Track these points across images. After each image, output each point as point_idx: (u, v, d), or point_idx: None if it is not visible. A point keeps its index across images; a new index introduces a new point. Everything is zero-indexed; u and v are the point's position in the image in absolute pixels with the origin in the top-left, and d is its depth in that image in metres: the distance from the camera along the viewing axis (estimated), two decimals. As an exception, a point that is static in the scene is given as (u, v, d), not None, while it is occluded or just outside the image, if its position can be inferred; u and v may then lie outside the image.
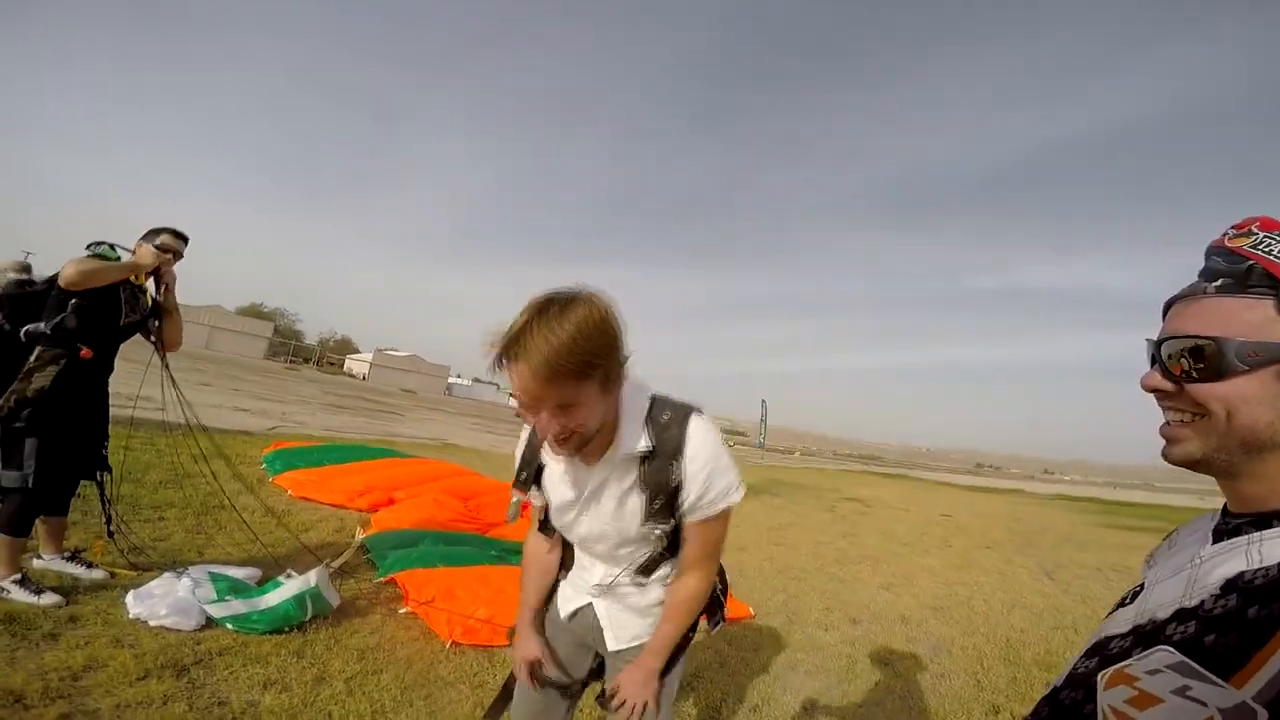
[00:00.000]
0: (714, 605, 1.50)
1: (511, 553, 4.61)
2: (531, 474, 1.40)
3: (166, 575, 2.98)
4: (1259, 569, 0.62)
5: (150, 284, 3.14)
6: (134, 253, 3.02)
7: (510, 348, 1.07)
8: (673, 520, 1.29)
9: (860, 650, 3.99)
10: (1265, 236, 0.68)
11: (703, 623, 1.50)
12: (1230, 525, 0.71)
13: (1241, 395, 0.66)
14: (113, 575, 3.11)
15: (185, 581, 2.92)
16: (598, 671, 1.57)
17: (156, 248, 3.03)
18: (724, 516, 1.32)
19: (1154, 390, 0.74)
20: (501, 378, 1.15)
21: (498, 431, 20.03)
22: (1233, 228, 0.72)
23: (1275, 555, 0.62)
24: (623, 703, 1.31)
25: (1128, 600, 0.79)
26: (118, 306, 2.97)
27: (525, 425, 1.39)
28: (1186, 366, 0.69)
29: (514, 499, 1.46)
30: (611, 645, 1.45)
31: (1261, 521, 0.67)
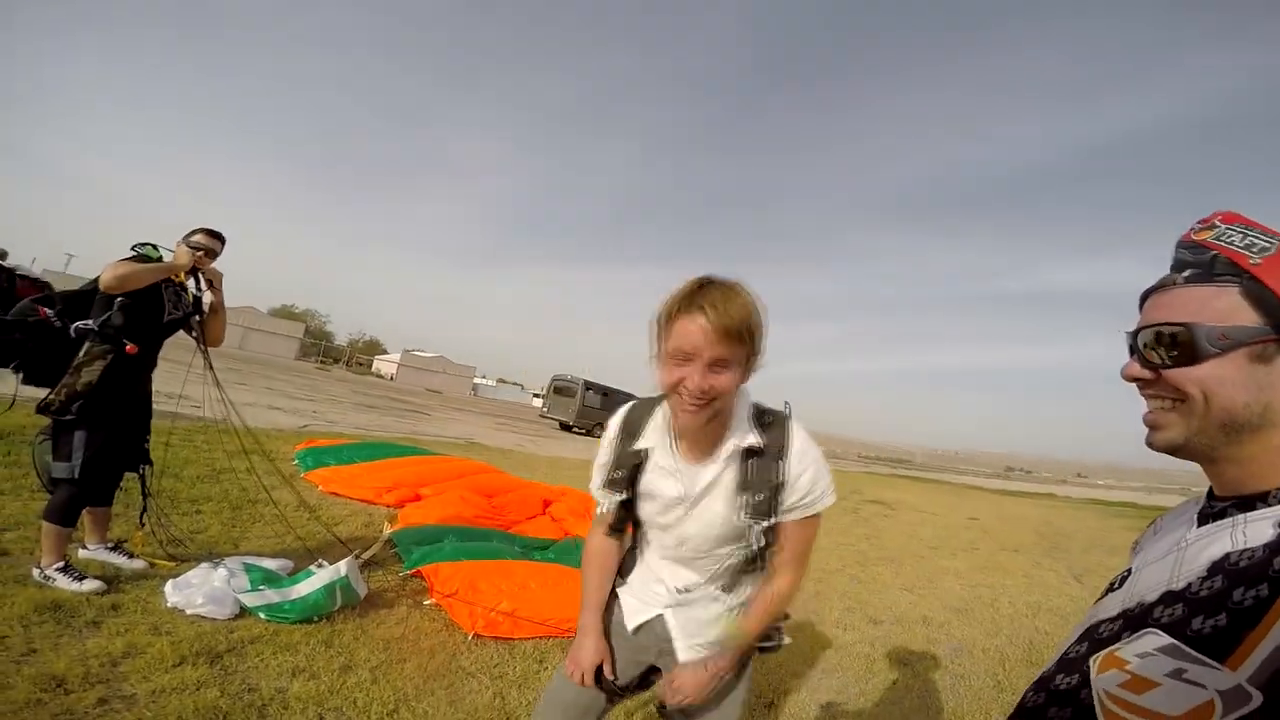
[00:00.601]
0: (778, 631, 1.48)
1: (535, 549, 4.68)
2: (628, 474, 1.38)
3: (203, 566, 3.09)
4: (1244, 550, 0.64)
5: (191, 282, 3.27)
6: (174, 252, 3.17)
7: (692, 300, 1.13)
8: (773, 517, 1.29)
9: (879, 650, 3.98)
10: (1226, 229, 0.71)
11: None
12: (1215, 509, 0.73)
13: (1217, 378, 0.68)
14: (152, 565, 3.24)
15: (221, 572, 3.03)
16: (640, 683, 1.54)
17: (190, 246, 3.16)
18: (818, 518, 1.33)
19: (1134, 379, 0.77)
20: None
21: (522, 432, 20.22)
22: (1199, 222, 0.75)
23: (1259, 537, 0.64)
24: (681, 695, 1.32)
25: (1116, 585, 0.80)
26: (161, 304, 3.11)
27: (611, 425, 1.44)
28: (1162, 355, 0.72)
29: (606, 500, 1.43)
30: (683, 655, 1.39)
31: (1246, 504, 0.69)
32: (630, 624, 1.46)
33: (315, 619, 2.95)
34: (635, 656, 1.49)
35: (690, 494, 1.31)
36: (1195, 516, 0.76)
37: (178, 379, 3.61)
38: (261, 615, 2.89)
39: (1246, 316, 0.67)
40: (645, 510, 1.40)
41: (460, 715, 2.45)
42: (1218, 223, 0.72)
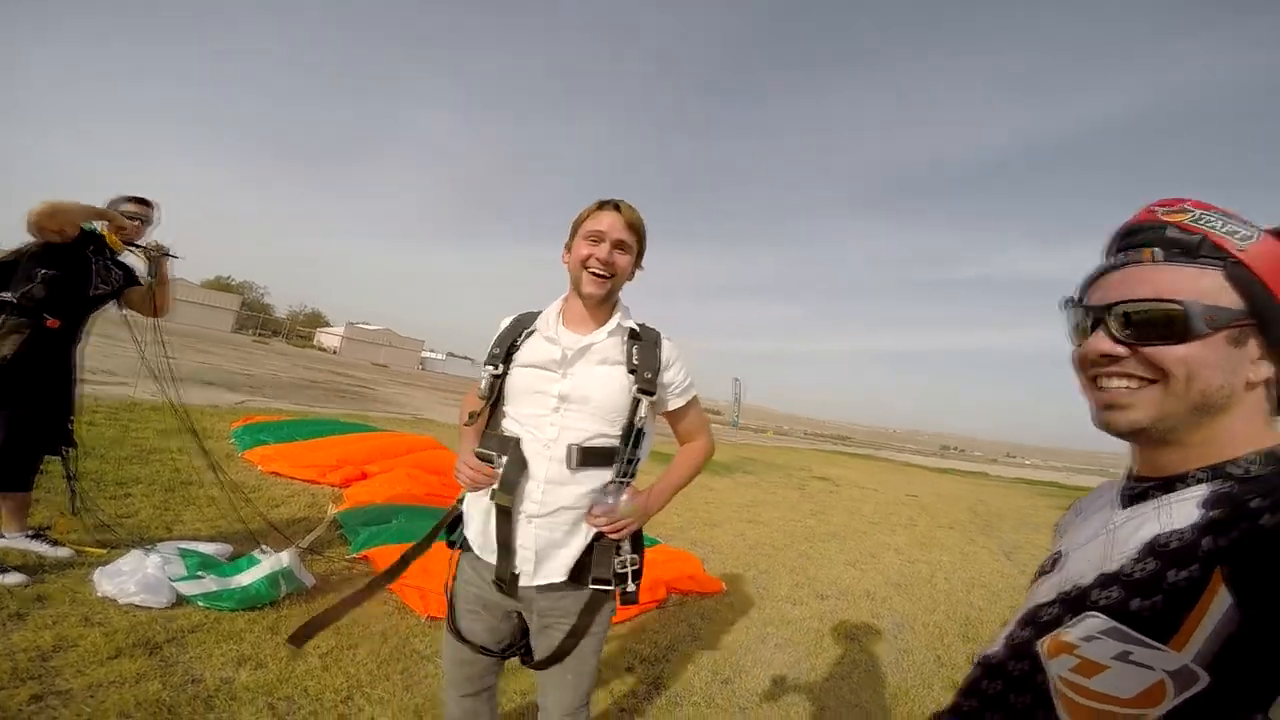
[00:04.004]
0: (633, 578, 1.52)
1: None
2: (505, 350, 1.53)
3: (135, 552, 2.93)
4: (1172, 532, 0.66)
5: (134, 258, 3.06)
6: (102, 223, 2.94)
7: (606, 201, 1.51)
8: (654, 395, 1.50)
9: (827, 625, 4.11)
10: (1203, 214, 0.71)
11: (617, 601, 1.55)
12: (1137, 490, 0.74)
13: (1202, 359, 0.67)
14: (79, 553, 3.05)
15: (154, 558, 2.89)
16: (519, 639, 1.60)
17: (123, 217, 2.95)
18: (697, 398, 1.65)
19: (1107, 355, 0.72)
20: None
21: (471, 408, 19.85)
22: (1159, 205, 0.74)
23: (1185, 518, 0.66)
24: (608, 522, 1.42)
25: (1048, 569, 0.82)
26: (88, 277, 2.90)
27: (501, 323, 1.61)
28: (1144, 332, 0.70)
29: (486, 373, 1.55)
30: (526, 579, 1.44)
31: (1167, 485, 0.71)
32: (495, 536, 1.46)
33: (259, 606, 2.84)
34: (503, 607, 1.53)
35: (568, 351, 1.48)
36: (1118, 497, 0.77)
37: (100, 355, 3.38)
38: (200, 603, 2.77)
39: (1229, 299, 0.67)
40: (520, 381, 1.50)
41: (417, 699, 2.40)
42: (1189, 207, 0.72)
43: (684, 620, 3.64)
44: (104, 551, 3.10)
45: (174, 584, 2.81)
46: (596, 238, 1.47)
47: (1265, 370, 0.68)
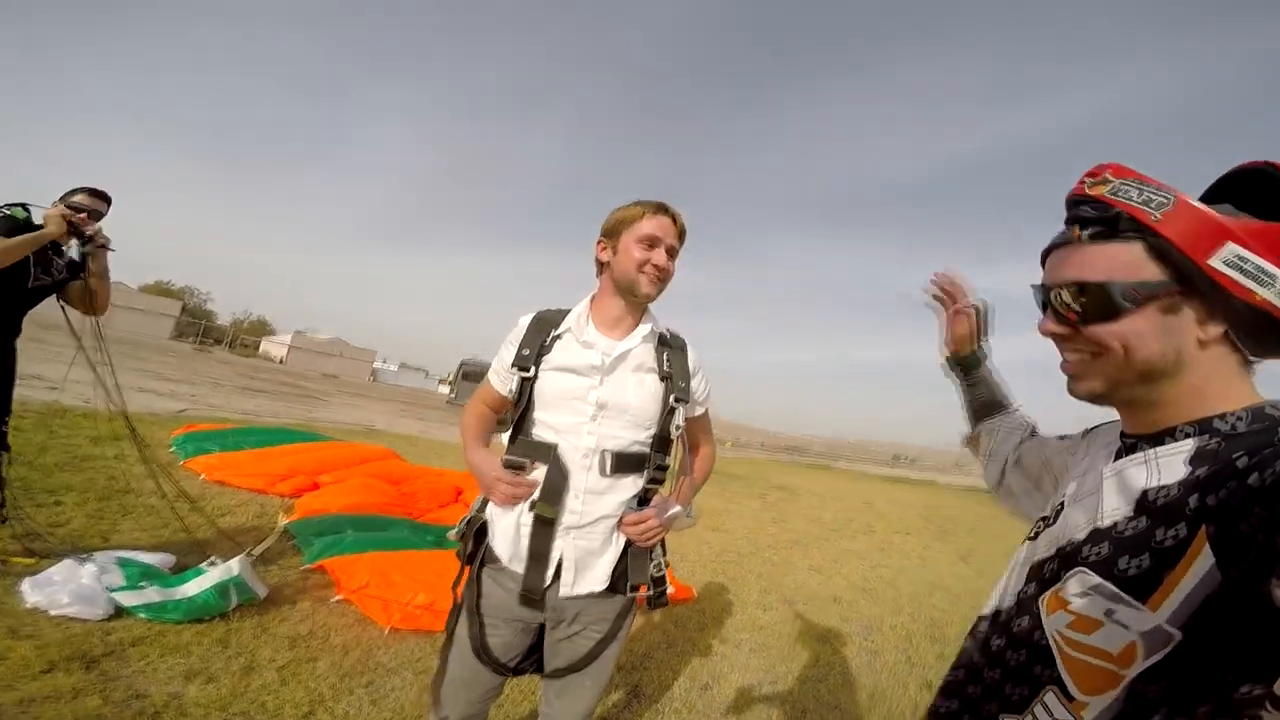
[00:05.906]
0: (658, 581, 1.50)
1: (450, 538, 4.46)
2: (536, 351, 1.45)
3: (67, 561, 2.72)
4: (1160, 488, 0.65)
5: (72, 244, 2.83)
6: (45, 215, 2.72)
7: (661, 207, 1.48)
8: (687, 402, 1.51)
9: (799, 629, 4.10)
10: (1121, 183, 0.71)
11: (641, 604, 1.50)
12: (1127, 444, 0.76)
13: (1135, 332, 0.70)
14: (4, 563, 2.80)
15: (89, 568, 2.68)
16: (531, 655, 1.53)
17: (71, 207, 2.74)
18: (708, 413, 1.68)
19: (1051, 335, 0.78)
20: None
21: (428, 419, 19.42)
22: (1087, 176, 0.75)
23: (1173, 474, 0.65)
24: (639, 526, 1.39)
25: (1051, 520, 0.81)
26: (25, 268, 2.66)
27: (520, 321, 1.52)
28: (1079, 310, 0.73)
29: (511, 378, 1.48)
30: (566, 590, 1.38)
31: (1155, 439, 0.71)
32: (528, 547, 1.39)
33: (207, 619, 2.64)
34: (523, 621, 1.45)
35: (608, 356, 1.43)
36: (1111, 453, 0.79)
37: (26, 358, 3.09)
38: (142, 615, 2.56)
39: (1151, 271, 0.68)
40: (554, 385, 1.43)
41: (384, 714, 2.26)
42: (1109, 177, 0.72)
43: (658, 628, 3.56)
44: (33, 561, 2.86)
45: (112, 594, 2.60)
46: (652, 242, 1.45)
47: (1215, 329, 0.69)
